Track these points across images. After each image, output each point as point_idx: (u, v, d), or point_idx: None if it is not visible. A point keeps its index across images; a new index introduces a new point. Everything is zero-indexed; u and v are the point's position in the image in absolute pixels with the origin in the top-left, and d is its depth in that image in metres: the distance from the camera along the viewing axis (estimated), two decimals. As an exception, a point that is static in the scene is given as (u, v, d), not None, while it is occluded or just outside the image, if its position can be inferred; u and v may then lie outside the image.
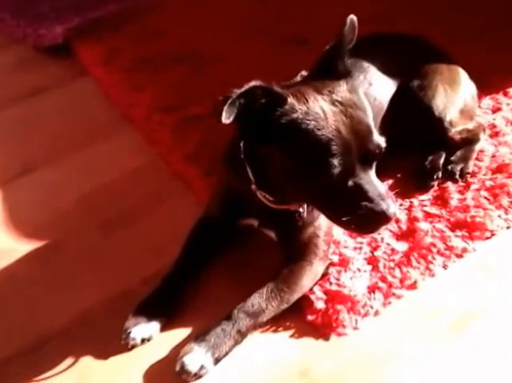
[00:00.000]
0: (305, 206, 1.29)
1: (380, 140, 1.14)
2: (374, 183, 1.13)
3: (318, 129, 1.09)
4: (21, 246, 1.54)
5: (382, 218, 1.12)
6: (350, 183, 1.12)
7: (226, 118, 1.05)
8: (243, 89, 1.05)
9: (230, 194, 1.40)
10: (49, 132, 1.98)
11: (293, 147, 1.12)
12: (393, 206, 1.12)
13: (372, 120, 1.15)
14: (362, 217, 1.12)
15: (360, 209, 1.11)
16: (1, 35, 2.58)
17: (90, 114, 2.03)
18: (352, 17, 1.19)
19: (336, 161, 1.08)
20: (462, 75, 1.61)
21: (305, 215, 1.30)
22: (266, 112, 1.11)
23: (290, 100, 1.12)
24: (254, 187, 1.27)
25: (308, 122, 1.10)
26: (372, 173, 1.15)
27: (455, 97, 1.55)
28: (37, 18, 2.53)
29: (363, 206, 1.11)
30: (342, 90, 1.15)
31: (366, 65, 1.51)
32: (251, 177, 1.26)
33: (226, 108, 1.04)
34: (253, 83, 1.07)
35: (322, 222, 1.34)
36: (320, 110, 1.11)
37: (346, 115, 1.12)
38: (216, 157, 1.63)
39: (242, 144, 1.24)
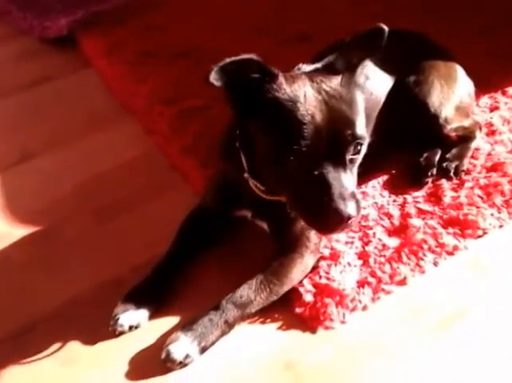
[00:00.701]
0: None
1: (358, 136, 1.12)
2: (341, 181, 1.11)
3: (293, 111, 1.10)
4: (17, 231, 1.56)
5: (336, 217, 1.09)
6: (316, 173, 1.11)
7: (214, 79, 1.06)
8: (238, 58, 1.07)
9: (225, 183, 1.41)
10: (50, 120, 2.01)
11: (270, 125, 1.14)
12: (352, 209, 1.09)
13: (358, 117, 1.14)
14: (319, 212, 1.11)
15: (318, 203, 1.10)
16: (8, 26, 2.61)
17: (91, 104, 2.05)
18: (382, 26, 1.16)
19: (303, 143, 1.08)
20: (459, 72, 1.61)
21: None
22: (256, 87, 1.13)
23: (280, 79, 1.13)
24: (246, 175, 1.28)
25: (287, 103, 1.11)
26: (346, 173, 1.12)
27: (451, 94, 1.54)
28: (43, 11, 2.56)
29: (322, 200, 1.10)
30: (334, 82, 1.16)
31: None
32: (244, 165, 1.27)
33: (216, 69, 1.05)
34: (248, 55, 1.08)
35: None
36: (302, 94, 1.12)
37: (327, 104, 1.12)
38: (213, 149, 1.65)
39: (237, 127, 1.25)
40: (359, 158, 1.16)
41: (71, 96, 2.13)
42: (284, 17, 2.36)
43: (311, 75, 1.17)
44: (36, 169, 1.78)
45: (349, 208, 1.09)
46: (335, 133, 1.10)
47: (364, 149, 1.16)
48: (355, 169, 1.16)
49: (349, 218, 1.09)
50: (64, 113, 2.03)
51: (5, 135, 1.98)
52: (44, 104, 2.09)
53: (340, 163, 1.12)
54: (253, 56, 1.09)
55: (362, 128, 1.14)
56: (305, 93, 1.12)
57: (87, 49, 2.31)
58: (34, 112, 2.06)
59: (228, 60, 1.06)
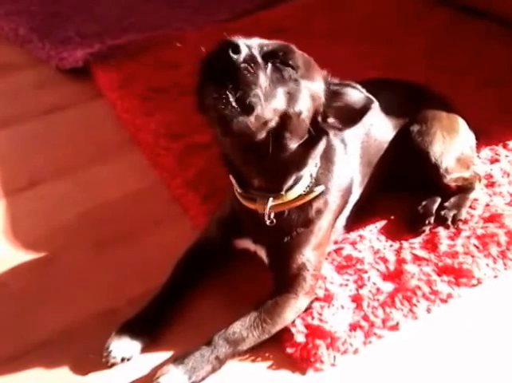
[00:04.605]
0: (267, 208, 1.29)
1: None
2: None
3: None
4: (17, 256, 1.58)
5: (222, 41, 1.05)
6: None
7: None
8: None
9: (230, 211, 1.43)
10: (59, 148, 2.05)
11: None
12: (240, 41, 1.05)
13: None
14: None
15: None
16: (27, 55, 2.69)
17: (100, 135, 2.10)
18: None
19: None
20: (461, 124, 1.64)
21: (266, 218, 1.30)
22: None
23: None
24: (236, 190, 1.32)
25: None
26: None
27: (453, 145, 1.57)
28: (62, 42, 2.64)
29: None
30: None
31: None
32: (232, 180, 1.32)
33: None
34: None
35: (312, 256, 1.36)
36: None
37: None
38: (216, 185, 1.68)
39: None
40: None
41: (81, 125, 2.18)
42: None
43: None
44: (41, 196, 1.82)
45: (242, 44, 1.05)
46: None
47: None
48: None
49: (237, 49, 1.04)
50: (73, 142, 2.08)
51: (16, 160, 2.02)
52: (55, 132, 2.14)
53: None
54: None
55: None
56: None
57: (100, 81, 2.37)
58: (45, 139, 2.11)
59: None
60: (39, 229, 1.68)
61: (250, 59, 1.07)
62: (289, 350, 1.28)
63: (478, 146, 1.72)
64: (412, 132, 1.57)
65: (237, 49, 1.04)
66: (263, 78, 1.08)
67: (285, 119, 1.15)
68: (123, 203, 1.76)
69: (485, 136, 1.76)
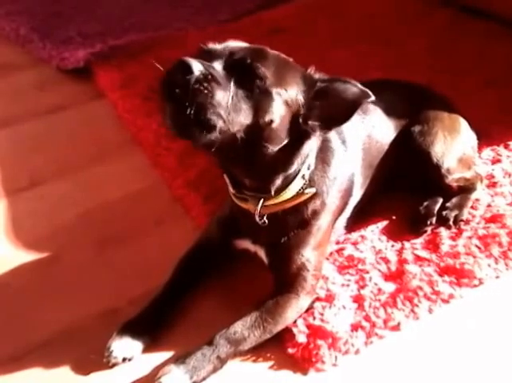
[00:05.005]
0: (258, 208, 1.30)
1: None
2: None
3: None
4: (19, 257, 1.58)
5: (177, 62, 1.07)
6: None
7: None
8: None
9: (229, 211, 1.43)
10: (60, 148, 2.06)
11: None
12: (197, 67, 1.06)
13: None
14: None
15: None
16: (28, 55, 2.69)
17: (101, 135, 2.10)
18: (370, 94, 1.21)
19: None
20: (463, 124, 1.64)
21: (257, 218, 1.31)
22: None
23: None
24: (230, 190, 1.32)
25: None
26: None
27: (454, 145, 1.57)
28: (63, 42, 2.65)
29: None
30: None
31: (371, 107, 1.55)
32: (227, 181, 1.33)
33: None
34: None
35: (312, 256, 1.36)
36: None
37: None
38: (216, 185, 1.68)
39: None
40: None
41: (83, 125, 2.18)
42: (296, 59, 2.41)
43: None
44: (42, 196, 1.82)
45: (194, 64, 1.06)
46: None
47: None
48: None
49: (189, 70, 1.05)
50: (74, 142, 2.08)
51: (17, 160, 2.02)
52: (56, 133, 2.15)
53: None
54: None
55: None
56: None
57: (101, 81, 2.37)
58: (46, 139, 2.11)
59: None
60: (40, 229, 1.68)
61: (204, 79, 1.07)
62: (290, 350, 1.28)
63: (480, 146, 1.72)
64: (414, 132, 1.57)
65: (189, 71, 1.05)
66: (221, 95, 1.09)
67: (256, 129, 1.15)
68: (124, 203, 1.76)
69: (485, 137, 1.76)
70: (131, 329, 1.31)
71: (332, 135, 1.41)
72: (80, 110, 2.27)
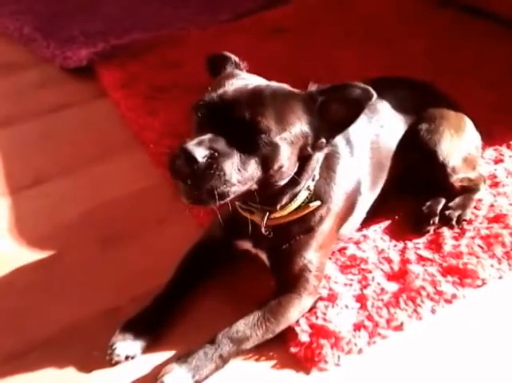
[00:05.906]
0: (264, 221, 1.31)
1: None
2: (201, 137, 1.12)
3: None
4: (22, 255, 1.59)
5: (181, 153, 1.10)
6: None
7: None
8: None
9: (232, 213, 1.41)
10: (63, 147, 2.06)
11: None
12: (200, 153, 1.08)
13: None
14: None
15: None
16: (31, 54, 2.69)
17: (104, 134, 2.11)
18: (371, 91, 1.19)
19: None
20: (468, 123, 1.64)
21: (263, 230, 1.32)
22: None
23: None
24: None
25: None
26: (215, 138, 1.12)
27: (460, 145, 1.57)
28: (66, 41, 2.66)
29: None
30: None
31: (379, 107, 1.54)
32: None
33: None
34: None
35: (315, 257, 1.36)
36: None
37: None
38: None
39: None
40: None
41: (86, 124, 2.19)
42: (295, 66, 2.31)
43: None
44: (46, 194, 1.82)
45: (197, 151, 1.08)
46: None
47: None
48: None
49: (194, 160, 1.08)
50: (77, 140, 2.09)
51: (20, 159, 2.03)
52: (59, 131, 2.15)
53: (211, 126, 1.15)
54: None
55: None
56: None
57: (104, 80, 2.37)
58: (49, 138, 2.11)
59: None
60: (43, 227, 1.68)
61: (209, 163, 1.09)
62: (293, 350, 1.28)
63: (482, 146, 1.72)
64: (420, 130, 1.56)
65: (193, 160, 1.08)
66: (229, 166, 1.11)
67: (267, 177, 1.18)
68: (126, 201, 1.76)
69: (487, 137, 1.75)
70: (134, 327, 1.31)
71: (338, 139, 1.38)
72: (83, 109, 2.27)
